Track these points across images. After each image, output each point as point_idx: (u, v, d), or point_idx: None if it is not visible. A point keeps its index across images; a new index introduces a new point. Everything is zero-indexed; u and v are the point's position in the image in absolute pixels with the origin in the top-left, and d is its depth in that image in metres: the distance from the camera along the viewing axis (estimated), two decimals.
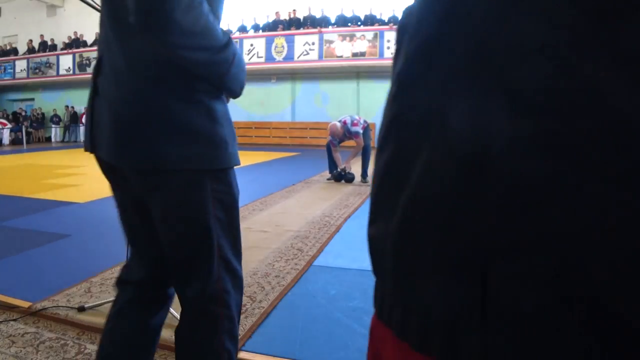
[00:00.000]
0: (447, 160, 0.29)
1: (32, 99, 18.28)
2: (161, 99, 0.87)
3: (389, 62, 0.50)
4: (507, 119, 0.27)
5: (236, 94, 0.97)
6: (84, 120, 14.47)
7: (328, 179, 6.02)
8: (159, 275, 1.07)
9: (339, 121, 5.68)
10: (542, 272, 0.25)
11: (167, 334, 1.70)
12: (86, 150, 1.02)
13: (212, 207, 0.93)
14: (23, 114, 17.33)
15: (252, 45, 13.45)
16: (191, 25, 0.80)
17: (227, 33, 0.90)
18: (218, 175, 0.93)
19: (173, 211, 0.93)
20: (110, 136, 0.90)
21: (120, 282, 1.11)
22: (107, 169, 1.04)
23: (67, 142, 16.67)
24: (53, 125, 17.11)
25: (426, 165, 0.31)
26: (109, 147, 0.91)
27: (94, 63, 1.02)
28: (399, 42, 0.38)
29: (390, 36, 11.92)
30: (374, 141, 0.60)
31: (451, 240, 0.29)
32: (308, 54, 12.89)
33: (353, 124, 5.60)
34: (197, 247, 0.94)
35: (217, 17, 0.91)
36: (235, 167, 0.97)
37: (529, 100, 0.26)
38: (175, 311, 1.83)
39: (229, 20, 14.53)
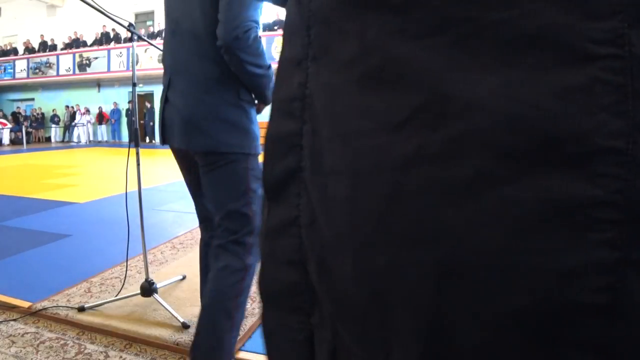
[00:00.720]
0: None
1: (32, 99, 18.28)
2: (217, 105, 1.28)
3: None
4: None
5: (268, 101, 1.35)
6: (84, 120, 14.27)
7: None
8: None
9: None
10: None
11: (167, 334, 1.70)
12: (161, 143, 1.45)
13: (249, 180, 1.31)
14: (23, 113, 17.34)
15: None
16: (256, 49, 1.23)
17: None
18: (251, 159, 1.32)
19: (218, 184, 1.33)
20: (182, 131, 1.32)
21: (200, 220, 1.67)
22: (179, 154, 1.48)
23: (67, 142, 16.68)
24: (53, 125, 17.11)
25: None
26: (181, 138, 1.33)
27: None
28: None
29: None
30: None
31: None
32: None
33: None
34: (235, 208, 1.32)
35: None
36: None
37: None
38: (175, 311, 1.83)
39: None
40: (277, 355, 0.34)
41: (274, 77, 1.21)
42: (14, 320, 1.86)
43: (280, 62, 0.34)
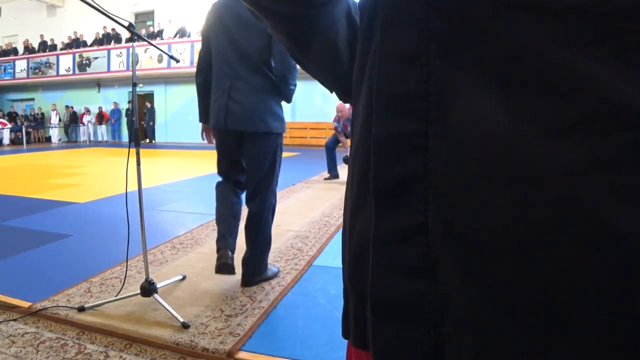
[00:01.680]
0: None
1: (32, 99, 18.28)
2: (267, 102, 2.11)
3: None
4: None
5: (291, 100, 2.22)
6: (84, 120, 14.32)
7: (326, 179, 6.02)
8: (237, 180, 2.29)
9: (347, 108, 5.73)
10: None
11: (167, 334, 1.70)
12: (218, 127, 2.15)
13: (278, 152, 2.17)
14: (22, 113, 17.33)
15: None
16: (295, 76, 2.12)
17: None
18: (280, 137, 2.18)
19: (268, 153, 2.13)
20: (246, 119, 2.09)
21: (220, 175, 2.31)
22: (235, 135, 2.15)
23: (68, 142, 16.68)
24: (53, 125, 17.12)
25: None
26: (246, 123, 2.09)
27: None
28: None
29: None
30: None
31: None
32: None
33: None
34: (268, 170, 2.15)
35: None
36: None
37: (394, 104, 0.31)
38: (175, 311, 1.83)
39: None
40: None
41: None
42: (14, 320, 1.86)
43: (381, 55, 0.32)
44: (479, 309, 0.28)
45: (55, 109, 16.62)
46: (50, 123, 16.40)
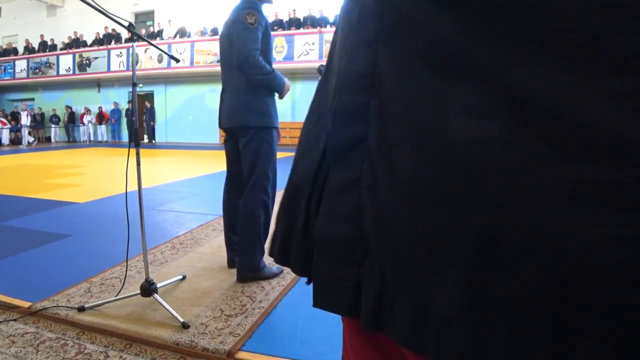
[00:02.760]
0: None
1: (32, 99, 18.28)
2: (245, 99, 2.20)
3: None
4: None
5: (279, 92, 2.27)
6: (84, 120, 14.34)
7: None
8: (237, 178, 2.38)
9: None
10: None
11: (167, 334, 1.70)
12: (220, 126, 2.36)
13: (263, 146, 2.20)
14: (23, 113, 17.32)
15: None
16: (254, 65, 2.12)
17: (272, 68, 2.20)
18: (264, 131, 2.20)
19: (250, 147, 2.20)
20: (226, 116, 2.27)
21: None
22: (227, 131, 2.34)
23: (69, 142, 16.68)
24: (53, 126, 17.11)
25: None
26: (225, 120, 2.28)
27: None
28: None
29: None
30: None
31: None
32: (308, 54, 12.89)
33: None
34: (256, 162, 2.19)
35: (268, 60, 2.22)
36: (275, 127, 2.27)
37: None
38: (175, 311, 1.83)
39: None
40: (325, 299, 0.39)
41: (280, 75, 2.30)
42: (14, 320, 1.86)
43: (352, 42, 0.38)
44: (384, 256, 0.34)
45: (25, 109, 16.37)
46: (20, 124, 16.18)
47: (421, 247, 0.30)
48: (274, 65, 2.28)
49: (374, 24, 0.36)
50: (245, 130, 2.18)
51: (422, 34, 0.32)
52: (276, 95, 2.30)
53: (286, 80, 2.28)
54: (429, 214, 0.30)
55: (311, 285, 0.42)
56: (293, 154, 0.52)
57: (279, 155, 2.37)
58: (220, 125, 2.33)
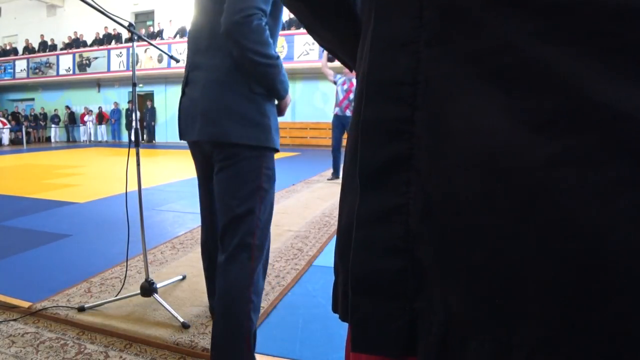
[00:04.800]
0: None
1: (32, 99, 18.27)
2: (231, 99, 1.27)
3: None
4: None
5: (281, 96, 1.35)
6: (84, 120, 14.13)
7: (329, 179, 6.02)
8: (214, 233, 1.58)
9: None
10: None
11: (167, 334, 1.70)
12: (182, 137, 1.44)
13: (262, 178, 1.31)
14: (23, 113, 17.32)
15: None
16: (259, 37, 1.20)
17: (278, 55, 1.30)
18: (268, 155, 1.32)
19: (234, 179, 1.29)
20: (196, 124, 1.32)
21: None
22: (194, 147, 1.47)
23: (69, 142, 16.67)
24: (53, 126, 17.11)
25: None
26: (194, 131, 1.32)
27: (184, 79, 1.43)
28: None
29: None
30: None
31: None
32: (308, 54, 12.89)
33: None
34: (245, 204, 1.29)
35: (275, 41, 1.32)
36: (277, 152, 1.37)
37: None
38: (175, 311, 1.83)
39: None
40: (371, 342, 0.33)
41: (284, 71, 1.32)
42: (14, 320, 1.86)
43: (374, 41, 0.32)
44: (452, 290, 0.29)
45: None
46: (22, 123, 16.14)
47: (503, 278, 0.27)
48: None
49: (409, 21, 0.30)
50: (226, 149, 1.28)
51: (483, 36, 0.27)
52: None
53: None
54: (511, 243, 0.26)
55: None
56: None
57: (277, 155, 1.45)
58: (183, 136, 1.43)
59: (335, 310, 0.42)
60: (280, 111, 1.41)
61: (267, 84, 1.29)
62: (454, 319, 0.29)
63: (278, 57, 1.29)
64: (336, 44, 0.55)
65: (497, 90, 0.27)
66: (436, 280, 0.30)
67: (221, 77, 1.28)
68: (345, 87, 5.54)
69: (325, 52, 5.65)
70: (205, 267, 1.69)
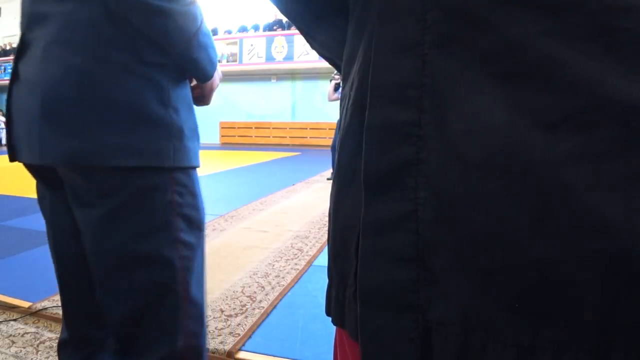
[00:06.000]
0: None
1: None
2: (100, 74, 0.66)
3: None
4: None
5: (206, 71, 0.76)
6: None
7: (328, 179, 6.02)
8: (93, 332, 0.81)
9: None
10: None
11: None
12: (10, 160, 0.83)
13: (175, 226, 0.72)
14: None
15: (252, 45, 13.44)
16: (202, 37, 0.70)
17: None
18: (179, 178, 0.71)
19: (116, 231, 0.67)
20: (34, 129, 0.68)
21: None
22: (37, 175, 0.83)
23: None
24: None
25: None
26: (33, 143, 0.70)
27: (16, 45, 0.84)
28: None
29: None
30: None
31: None
32: (308, 54, 12.88)
33: None
34: (154, 291, 0.69)
35: None
36: (196, 169, 0.76)
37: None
38: None
39: (229, 21, 14.53)
40: (383, 356, 0.32)
41: (206, 26, 0.76)
42: (14, 320, 1.86)
43: (377, 44, 0.31)
44: (469, 297, 0.28)
45: None
46: None
47: (525, 280, 0.26)
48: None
49: (412, 22, 0.30)
50: (99, 178, 0.71)
51: (491, 36, 0.27)
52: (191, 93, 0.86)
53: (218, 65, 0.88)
54: (534, 245, 0.26)
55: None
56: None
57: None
58: (17, 154, 0.88)
59: (328, 313, 0.41)
60: (202, 99, 0.88)
61: (179, 53, 0.71)
62: (472, 327, 0.28)
63: (193, 2, 0.73)
64: (335, 49, 0.54)
65: (507, 89, 0.27)
66: (451, 288, 0.29)
67: (79, 35, 0.67)
68: None
69: (333, 82, 5.75)
70: None
